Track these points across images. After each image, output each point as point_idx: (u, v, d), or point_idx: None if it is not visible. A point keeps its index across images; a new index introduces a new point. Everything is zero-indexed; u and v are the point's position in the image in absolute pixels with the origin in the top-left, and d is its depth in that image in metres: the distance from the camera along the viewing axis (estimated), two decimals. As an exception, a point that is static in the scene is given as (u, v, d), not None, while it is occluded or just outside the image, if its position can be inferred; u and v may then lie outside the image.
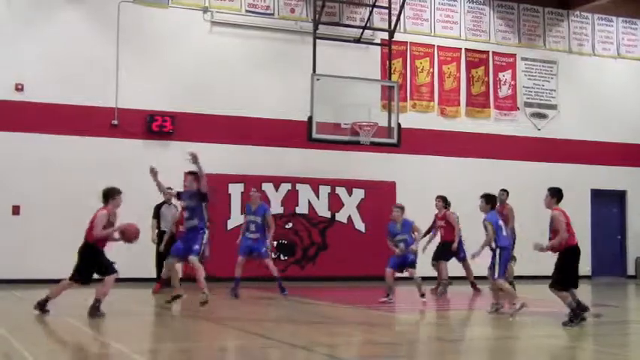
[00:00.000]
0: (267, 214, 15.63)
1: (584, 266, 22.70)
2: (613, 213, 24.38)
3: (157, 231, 17.23)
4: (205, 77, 19.79)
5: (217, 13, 20.11)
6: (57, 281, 17.44)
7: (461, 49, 22.63)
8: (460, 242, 17.12)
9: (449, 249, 16.66)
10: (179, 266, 14.55)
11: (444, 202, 17.02)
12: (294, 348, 9.46)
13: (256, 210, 15.59)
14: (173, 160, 19.17)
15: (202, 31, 20.07)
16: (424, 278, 17.06)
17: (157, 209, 17.59)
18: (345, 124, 18.57)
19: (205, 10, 20.04)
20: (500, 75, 23.12)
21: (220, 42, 20.17)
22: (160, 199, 17.77)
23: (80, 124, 18.65)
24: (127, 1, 19.25)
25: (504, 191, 16.88)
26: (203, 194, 13.19)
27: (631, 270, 24.35)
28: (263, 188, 19.95)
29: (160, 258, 17.79)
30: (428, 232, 16.96)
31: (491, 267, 12.72)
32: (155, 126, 19.22)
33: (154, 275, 17.22)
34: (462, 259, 17.08)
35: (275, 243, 19.60)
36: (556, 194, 12.01)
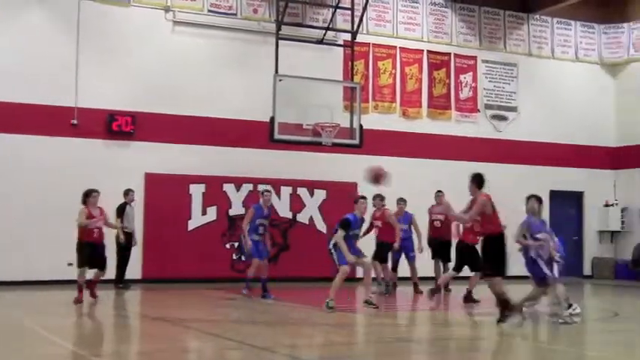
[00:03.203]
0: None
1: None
2: (570, 214, 24.70)
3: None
4: (167, 77, 19.67)
5: (179, 12, 20.00)
6: (20, 283, 17.36)
7: (423, 50, 22.76)
8: (411, 242, 17.29)
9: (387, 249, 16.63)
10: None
11: (382, 200, 16.73)
12: (255, 349, 9.46)
13: (268, 213, 15.68)
14: (134, 160, 19.13)
15: (164, 31, 19.94)
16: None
17: (121, 209, 17.46)
18: (308, 124, 18.56)
19: (167, 9, 19.92)
20: (462, 77, 23.30)
21: (182, 42, 20.06)
22: (122, 199, 17.70)
23: (39, 123, 18.39)
24: (88, -1, 19.07)
25: (441, 192, 17.24)
26: None
27: (587, 270, 24.70)
28: (224, 189, 19.93)
29: (124, 259, 17.68)
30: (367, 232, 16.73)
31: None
32: (115, 126, 19.04)
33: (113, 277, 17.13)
34: (412, 259, 17.27)
35: (236, 244, 19.58)
36: (475, 180, 11.95)
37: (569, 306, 12.88)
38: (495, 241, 11.57)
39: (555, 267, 12.31)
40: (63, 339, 10.37)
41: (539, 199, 12.46)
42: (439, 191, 17.55)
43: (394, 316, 13.86)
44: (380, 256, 16.63)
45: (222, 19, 20.46)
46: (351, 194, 20.48)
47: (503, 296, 11.33)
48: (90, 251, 14.21)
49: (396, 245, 16.43)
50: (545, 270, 12.06)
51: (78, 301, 14.00)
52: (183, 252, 19.31)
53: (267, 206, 15.73)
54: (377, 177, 13.81)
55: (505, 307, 11.28)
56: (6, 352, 9.07)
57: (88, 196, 14.43)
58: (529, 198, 12.51)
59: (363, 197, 14.15)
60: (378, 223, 16.58)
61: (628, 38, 24.84)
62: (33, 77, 18.44)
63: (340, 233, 13.23)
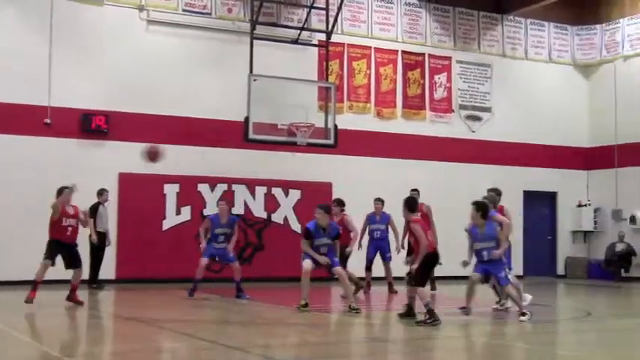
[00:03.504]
0: (235, 225, 15.79)
1: (516, 265, 23.29)
2: (544, 214, 24.88)
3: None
4: (141, 76, 19.58)
5: (154, 12, 19.91)
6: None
7: (397, 51, 22.82)
8: (387, 243, 17.26)
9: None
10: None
11: (339, 205, 16.27)
12: (229, 349, 9.44)
13: (227, 223, 15.60)
14: (108, 160, 19.02)
15: (139, 30, 19.84)
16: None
17: (94, 210, 17.36)
18: (282, 124, 18.57)
19: (141, 8, 19.82)
20: (436, 77, 23.38)
21: (157, 41, 19.98)
22: (95, 199, 17.60)
23: (11, 122, 18.25)
24: (61, -2, 18.92)
25: (415, 191, 17.15)
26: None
27: (561, 270, 24.89)
28: (199, 189, 19.88)
29: (97, 259, 17.59)
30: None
31: None
32: (90, 125, 18.92)
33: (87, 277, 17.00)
34: (388, 260, 17.25)
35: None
36: (407, 204, 12.24)
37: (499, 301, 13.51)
38: (427, 258, 11.90)
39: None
40: (34, 339, 10.29)
41: (476, 206, 12.50)
42: (414, 190, 17.48)
43: (369, 316, 13.86)
44: (340, 260, 16.39)
45: (197, 19, 20.40)
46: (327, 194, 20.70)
47: (428, 305, 11.66)
48: (62, 251, 13.63)
49: (349, 249, 16.07)
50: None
51: (29, 299, 13.38)
52: (158, 252, 19.24)
53: (226, 216, 15.68)
54: (151, 154, 13.59)
55: (431, 313, 11.62)
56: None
57: (61, 193, 13.78)
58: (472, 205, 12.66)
59: (320, 206, 13.92)
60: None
61: (601, 40, 25.05)
62: (5, 76, 18.29)
63: (303, 243, 13.37)
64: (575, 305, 16.99)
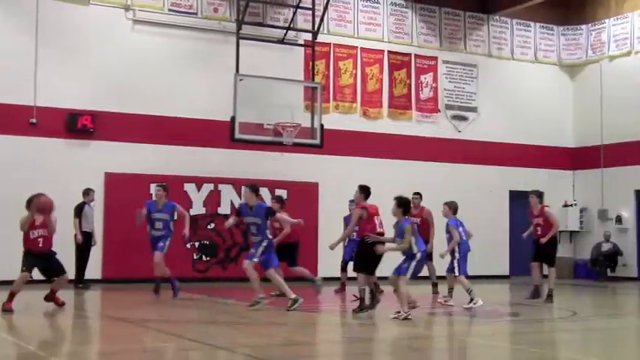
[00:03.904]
0: (174, 210, 15.55)
1: (502, 265, 23.39)
2: (531, 214, 24.89)
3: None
4: (128, 76, 19.53)
5: (140, 11, 19.86)
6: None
7: (383, 51, 22.84)
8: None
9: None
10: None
11: (278, 202, 16.14)
12: (215, 349, 9.43)
13: (164, 208, 15.44)
14: (94, 160, 18.96)
15: (124, 30, 19.79)
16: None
17: (79, 209, 17.32)
18: (268, 124, 18.58)
19: (127, 8, 19.77)
20: (422, 77, 23.41)
21: (143, 40, 19.93)
22: (81, 198, 17.55)
23: (-3, 122, 18.20)
24: (47, -3, 18.85)
25: (418, 194, 17.03)
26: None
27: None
28: (185, 189, 19.83)
29: (83, 259, 17.55)
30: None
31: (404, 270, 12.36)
32: (76, 125, 18.85)
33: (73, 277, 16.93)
34: None
35: (197, 244, 19.51)
36: (363, 190, 13.14)
37: (471, 300, 13.72)
38: (366, 243, 12.46)
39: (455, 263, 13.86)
40: (20, 339, 10.24)
41: (397, 201, 12.36)
42: (416, 193, 17.12)
43: (356, 317, 13.86)
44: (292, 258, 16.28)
45: (183, 18, 20.36)
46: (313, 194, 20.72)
47: (360, 294, 12.54)
48: (40, 263, 12.84)
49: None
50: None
51: (7, 309, 12.44)
52: (144, 252, 19.12)
53: (162, 202, 15.47)
54: (40, 205, 12.97)
55: (361, 302, 12.52)
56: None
57: (32, 201, 12.72)
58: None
59: (247, 185, 13.89)
60: (276, 224, 15.88)
61: (586, 40, 25.15)
62: (-10, 75, 18.22)
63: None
64: (561, 305, 17.03)
